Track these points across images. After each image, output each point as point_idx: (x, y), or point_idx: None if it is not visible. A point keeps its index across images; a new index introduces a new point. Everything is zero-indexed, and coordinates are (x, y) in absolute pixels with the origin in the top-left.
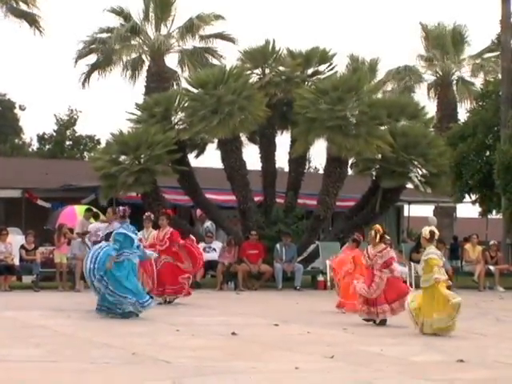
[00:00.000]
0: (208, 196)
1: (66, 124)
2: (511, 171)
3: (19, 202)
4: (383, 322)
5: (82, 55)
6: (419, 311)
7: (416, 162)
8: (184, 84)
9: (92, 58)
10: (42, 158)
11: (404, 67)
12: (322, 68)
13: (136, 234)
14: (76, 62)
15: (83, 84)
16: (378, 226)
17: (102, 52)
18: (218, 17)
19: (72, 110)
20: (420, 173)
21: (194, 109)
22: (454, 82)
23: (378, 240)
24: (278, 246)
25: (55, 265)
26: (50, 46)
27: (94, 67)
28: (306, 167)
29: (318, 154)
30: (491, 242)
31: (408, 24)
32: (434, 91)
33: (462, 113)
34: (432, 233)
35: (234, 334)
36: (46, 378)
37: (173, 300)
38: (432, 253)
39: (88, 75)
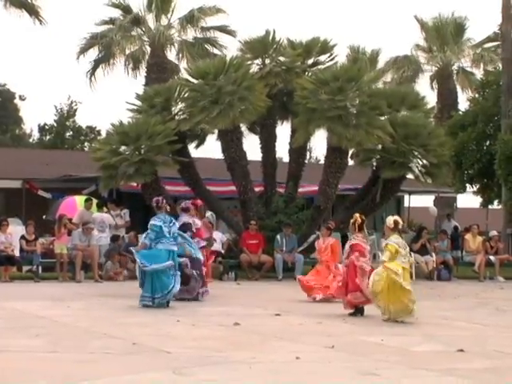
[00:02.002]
0: (208, 187)
1: (67, 115)
2: None
3: (19, 193)
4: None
5: (83, 49)
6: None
7: (416, 153)
8: (184, 75)
9: (94, 52)
10: (43, 148)
11: (403, 57)
12: (322, 58)
13: (174, 224)
14: (78, 56)
15: (90, 81)
16: (356, 215)
17: (104, 44)
18: (219, 10)
19: (72, 101)
20: (420, 163)
21: (194, 99)
22: (455, 72)
23: (355, 229)
24: (278, 236)
25: (55, 255)
26: (51, 36)
27: (97, 62)
28: (307, 158)
29: (319, 145)
30: (491, 233)
31: (408, 15)
32: (435, 81)
33: (463, 103)
34: (396, 222)
35: (236, 324)
36: (46, 368)
37: None
38: (392, 240)
39: (93, 72)
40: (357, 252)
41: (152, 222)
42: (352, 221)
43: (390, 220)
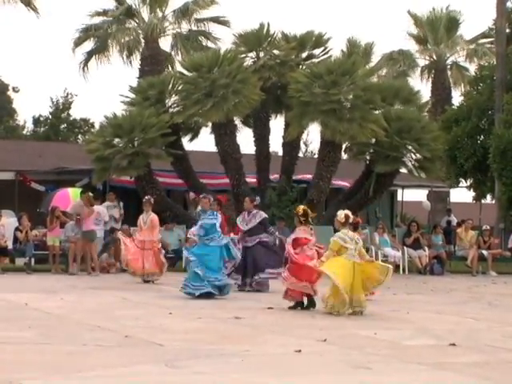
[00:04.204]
0: (201, 180)
1: (62, 107)
2: (507, 156)
3: (12, 185)
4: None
5: (78, 42)
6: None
7: (410, 147)
8: (178, 67)
9: (89, 44)
10: (37, 140)
11: (398, 51)
12: (316, 52)
13: (217, 219)
14: (73, 50)
15: (83, 72)
16: (299, 207)
17: (98, 36)
18: (213, 2)
19: (68, 94)
20: (414, 157)
21: (187, 92)
22: (449, 66)
23: (299, 221)
24: None
25: (48, 247)
26: (46, 28)
27: (90, 54)
28: (304, 152)
29: (316, 139)
30: (484, 227)
31: (403, 8)
32: (428, 74)
33: (457, 97)
34: (347, 216)
35: (237, 318)
36: (38, 359)
37: None
38: (338, 236)
39: (86, 63)
40: (299, 247)
41: (208, 221)
42: (294, 212)
43: (341, 214)
